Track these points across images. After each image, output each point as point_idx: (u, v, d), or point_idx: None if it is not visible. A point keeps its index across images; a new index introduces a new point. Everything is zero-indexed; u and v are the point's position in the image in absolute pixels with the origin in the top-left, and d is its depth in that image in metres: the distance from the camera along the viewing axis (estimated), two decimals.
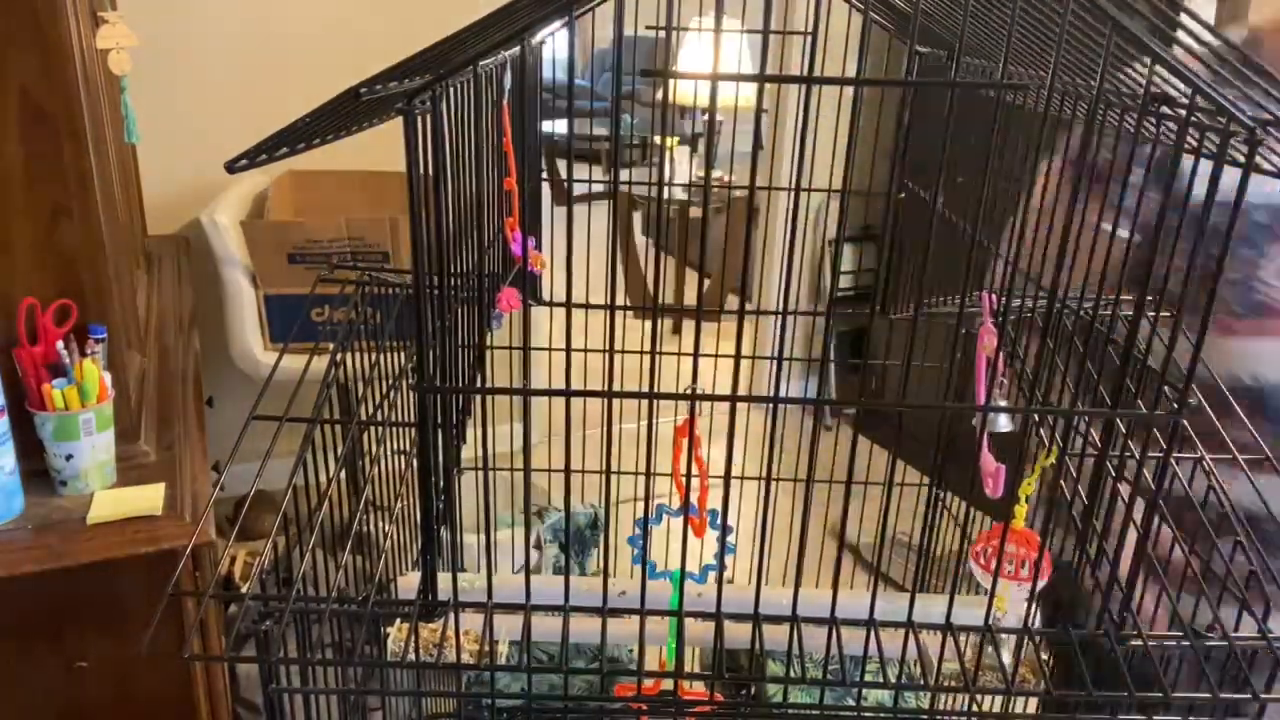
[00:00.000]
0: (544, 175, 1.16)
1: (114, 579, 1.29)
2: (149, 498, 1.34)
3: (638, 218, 4.04)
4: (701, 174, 2.92)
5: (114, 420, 1.37)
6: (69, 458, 1.33)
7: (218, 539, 2.23)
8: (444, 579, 0.71)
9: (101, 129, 1.50)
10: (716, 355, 1.49)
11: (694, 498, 0.70)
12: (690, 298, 3.67)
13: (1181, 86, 0.56)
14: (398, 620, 0.80)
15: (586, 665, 1.25)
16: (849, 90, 0.59)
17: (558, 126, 5.34)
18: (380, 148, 2.81)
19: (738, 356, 0.99)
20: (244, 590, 0.67)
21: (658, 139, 2.95)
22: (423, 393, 0.67)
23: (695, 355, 0.62)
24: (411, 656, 0.69)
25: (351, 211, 2.57)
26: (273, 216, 2.53)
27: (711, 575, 0.75)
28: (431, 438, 0.69)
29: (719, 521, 0.71)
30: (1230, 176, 0.53)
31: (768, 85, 0.54)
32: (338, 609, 0.68)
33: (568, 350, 0.66)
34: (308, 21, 2.69)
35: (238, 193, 2.57)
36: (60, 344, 1.31)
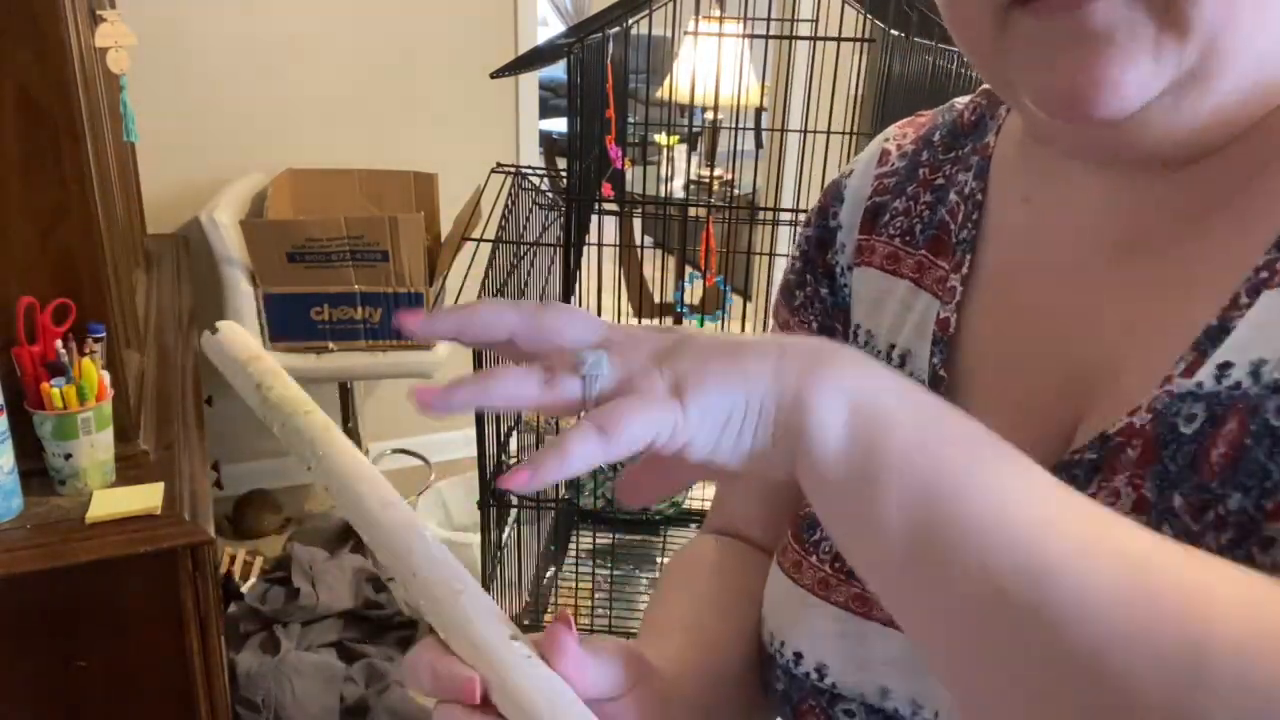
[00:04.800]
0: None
1: (113, 578, 1.28)
2: (148, 497, 1.34)
3: (638, 218, 4.03)
4: (701, 173, 2.92)
5: (113, 419, 1.37)
6: (68, 457, 1.33)
7: (217, 538, 2.22)
8: None
9: (100, 127, 1.50)
10: None
11: None
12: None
13: None
14: None
15: None
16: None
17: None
18: (379, 147, 2.81)
19: None
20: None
21: (657, 137, 2.95)
22: (569, 204, 1.36)
23: None
24: None
25: (351, 210, 2.57)
26: (272, 215, 2.52)
27: None
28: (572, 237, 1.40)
29: None
30: None
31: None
32: None
33: None
34: (307, 21, 2.68)
35: (237, 192, 2.57)
36: (59, 343, 1.31)
